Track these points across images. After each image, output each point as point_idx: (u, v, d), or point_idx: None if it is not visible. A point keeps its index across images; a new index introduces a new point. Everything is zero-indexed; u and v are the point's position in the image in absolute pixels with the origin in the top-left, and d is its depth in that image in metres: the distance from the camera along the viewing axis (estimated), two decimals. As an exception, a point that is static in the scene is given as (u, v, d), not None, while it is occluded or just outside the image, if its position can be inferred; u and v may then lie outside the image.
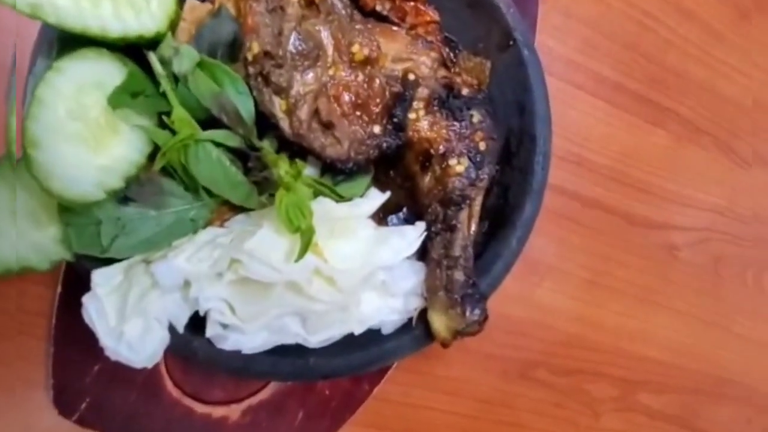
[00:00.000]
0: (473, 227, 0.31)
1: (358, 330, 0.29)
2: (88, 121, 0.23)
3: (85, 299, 0.24)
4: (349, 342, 0.30)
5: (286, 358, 0.29)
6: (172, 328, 0.25)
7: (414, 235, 0.29)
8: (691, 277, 0.51)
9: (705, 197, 0.52)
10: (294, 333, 0.28)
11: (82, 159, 0.22)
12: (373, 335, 0.30)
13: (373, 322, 0.30)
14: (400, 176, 0.33)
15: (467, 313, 0.28)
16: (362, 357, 0.30)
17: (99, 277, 0.24)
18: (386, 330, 0.31)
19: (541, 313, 0.46)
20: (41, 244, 0.24)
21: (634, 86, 0.48)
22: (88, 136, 0.22)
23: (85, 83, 0.23)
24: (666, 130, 0.50)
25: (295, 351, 0.29)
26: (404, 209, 0.34)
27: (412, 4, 0.33)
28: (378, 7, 0.33)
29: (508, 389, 0.45)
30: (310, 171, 0.30)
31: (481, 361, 0.44)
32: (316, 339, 0.29)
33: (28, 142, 0.20)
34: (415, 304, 0.31)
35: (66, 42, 0.23)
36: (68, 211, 0.23)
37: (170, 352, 0.26)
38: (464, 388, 0.44)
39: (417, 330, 0.31)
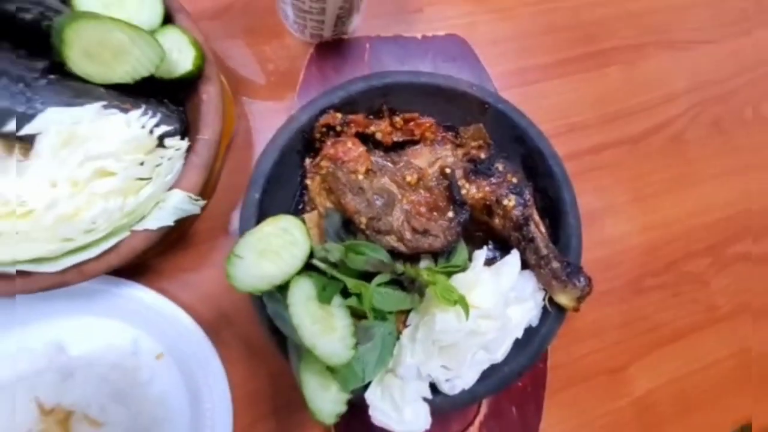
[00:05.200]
0: (542, 228, 0.44)
1: (520, 334, 0.43)
2: (319, 320, 0.37)
3: (371, 411, 0.39)
4: (518, 345, 0.43)
5: (491, 377, 0.42)
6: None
7: (514, 260, 0.42)
8: (704, 147, 0.62)
9: (676, 86, 0.63)
10: (486, 359, 0.42)
11: (330, 340, 0.37)
12: (530, 332, 0.44)
13: (525, 324, 0.43)
14: (475, 226, 0.47)
15: (577, 284, 0.41)
16: (535, 347, 0.43)
17: (370, 395, 0.39)
18: (535, 323, 0.44)
19: (618, 243, 0.58)
20: (332, 401, 0.38)
21: (575, 52, 0.61)
22: (324, 327, 0.37)
23: (305, 304, 0.38)
24: (616, 63, 0.62)
25: (492, 371, 0.43)
26: (489, 241, 0.48)
27: (412, 123, 0.48)
28: (395, 138, 0.48)
29: (633, 306, 0.57)
30: (426, 263, 0.44)
31: (602, 301, 0.56)
32: (500, 354, 0.42)
33: (313, 349, 0.35)
34: (541, 296, 0.44)
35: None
36: (336, 371, 0.38)
37: (433, 415, 0.40)
38: (602, 326, 0.56)
39: (552, 311, 0.44)
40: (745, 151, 0.63)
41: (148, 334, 0.47)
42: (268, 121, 0.52)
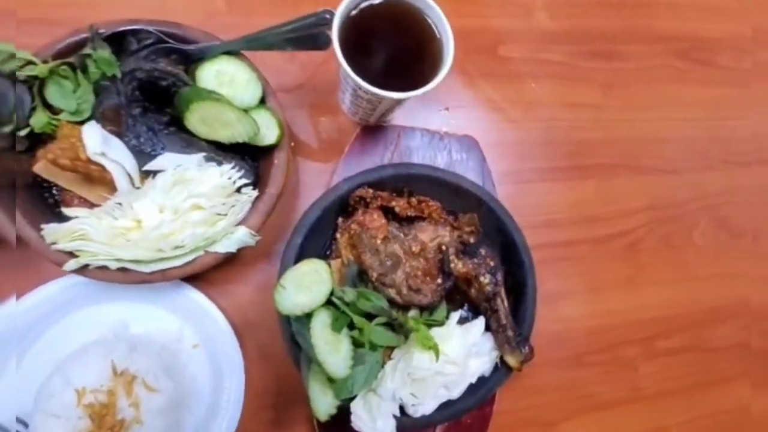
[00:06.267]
0: (506, 304, 0.58)
1: (473, 380, 0.56)
2: (330, 343, 0.51)
3: (353, 417, 0.52)
4: (471, 388, 0.57)
5: (446, 409, 0.55)
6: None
7: (480, 324, 0.56)
8: (654, 257, 0.76)
9: (638, 203, 0.78)
10: (445, 395, 0.55)
11: (336, 359, 0.50)
12: (481, 380, 0.57)
13: (479, 374, 0.57)
14: (455, 292, 0.61)
15: (522, 351, 0.55)
16: (483, 393, 0.57)
17: (354, 404, 0.52)
18: (487, 374, 0.57)
19: (570, 322, 0.71)
20: (327, 404, 0.51)
21: (561, 163, 0.76)
22: (333, 348, 0.51)
23: (322, 329, 0.51)
24: (593, 178, 0.77)
25: (448, 404, 0.56)
26: (465, 305, 0.62)
27: (423, 204, 0.62)
28: (409, 213, 0.62)
29: (571, 376, 0.70)
30: (413, 313, 0.58)
31: (549, 366, 0.70)
32: (456, 393, 0.56)
33: (322, 364, 0.49)
34: (495, 354, 0.57)
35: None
36: (333, 382, 0.51)
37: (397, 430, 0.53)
38: (545, 387, 0.69)
39: (501, 368, 0.57)
40: (686, 266, 0.77)
41: (191, 326, 0.60)
42: (314, 178, 0.66)
